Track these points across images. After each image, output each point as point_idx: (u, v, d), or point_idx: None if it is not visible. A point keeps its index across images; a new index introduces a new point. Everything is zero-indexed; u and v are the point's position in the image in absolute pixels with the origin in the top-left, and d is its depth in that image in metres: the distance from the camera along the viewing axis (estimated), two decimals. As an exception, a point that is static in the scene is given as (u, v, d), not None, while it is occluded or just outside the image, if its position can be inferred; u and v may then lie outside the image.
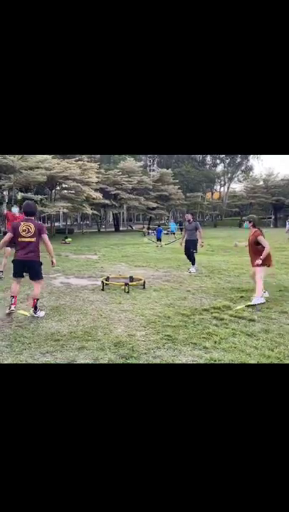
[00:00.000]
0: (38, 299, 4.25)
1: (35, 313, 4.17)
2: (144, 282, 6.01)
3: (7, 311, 4.10)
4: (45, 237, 4.19)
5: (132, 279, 6.21)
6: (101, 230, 35.01)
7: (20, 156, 18.48)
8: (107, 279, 6.21)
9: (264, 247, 4.78)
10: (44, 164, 20.45)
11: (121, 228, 36.77)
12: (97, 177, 25.66)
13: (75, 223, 40.09)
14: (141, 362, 2.90)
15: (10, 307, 4.10)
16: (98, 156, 31.33)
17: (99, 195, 25.20)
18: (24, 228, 4.07)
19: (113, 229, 36.11)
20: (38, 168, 19.86)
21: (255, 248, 4.92)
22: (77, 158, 24.03)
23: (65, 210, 25.24)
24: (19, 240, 4.08)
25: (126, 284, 5.66)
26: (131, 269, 8.06)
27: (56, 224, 34.71)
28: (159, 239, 15.91)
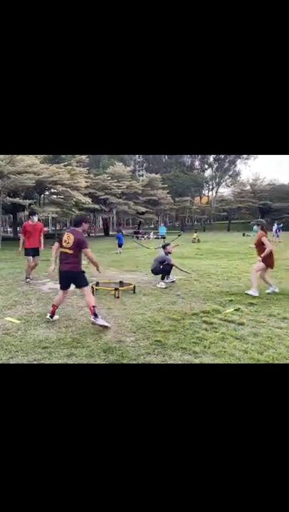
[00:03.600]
0: None
1: None
2: (134, 287, 6.00)
3: None
4: None
5: (122, 284, 6.18)
6: (91, 234, 34.84)
7: (8, 160, 18.29)
8: (97, 284, 6.17)
9: (265, 248, 5.55)
10: (32, 169, 20.30)
11: (110, 233, 36.69)
12: (86, 182, 25.62)
13: (64, 228, 39.86)
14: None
15: None
16: (87, 160, 31.28)
17: (88, 199, 25.14)
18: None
19: (103, 233, 36.02)
20: (26, 172, 19.70)
21: (261, 248, 5.68)
22: (66, 163, 23.95)
23: (54, 215, 25.07)
24: None
25: (116, 289, 5.63)
26: (121, 274, 8.03)
27: (45, 229, 34.31)
28: (120, 245, 14.93)
